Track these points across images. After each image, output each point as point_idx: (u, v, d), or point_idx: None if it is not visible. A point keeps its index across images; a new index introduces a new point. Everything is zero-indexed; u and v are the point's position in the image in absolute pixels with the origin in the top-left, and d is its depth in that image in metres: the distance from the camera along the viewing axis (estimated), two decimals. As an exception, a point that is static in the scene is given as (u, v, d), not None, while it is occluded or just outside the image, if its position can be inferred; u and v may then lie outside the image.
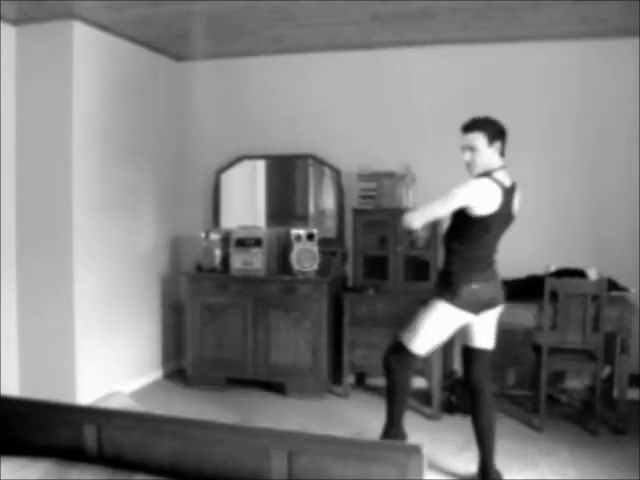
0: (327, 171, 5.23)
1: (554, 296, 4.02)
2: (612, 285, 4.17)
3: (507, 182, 3.27)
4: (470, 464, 3.57)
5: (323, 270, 4.86)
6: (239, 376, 4.93)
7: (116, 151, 4.75)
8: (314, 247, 4.81)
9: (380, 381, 5.07)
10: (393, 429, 3.43)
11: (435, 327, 3.31)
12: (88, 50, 4.40)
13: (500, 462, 3.60)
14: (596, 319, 3.98)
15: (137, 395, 4.74)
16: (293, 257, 4.79)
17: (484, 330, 3.38)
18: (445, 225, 3.50)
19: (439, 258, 4.82)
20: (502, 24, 4.40)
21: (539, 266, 4.39)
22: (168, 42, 4.97)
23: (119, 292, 4.82)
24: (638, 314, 4.22)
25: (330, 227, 5.23)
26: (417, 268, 4.87)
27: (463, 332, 3.44)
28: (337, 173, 5.18)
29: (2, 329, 4.31)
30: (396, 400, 3.43)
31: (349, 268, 5.07)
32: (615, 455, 3.71)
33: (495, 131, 3.27)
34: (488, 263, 3.35)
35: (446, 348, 4.51)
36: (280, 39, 4.86)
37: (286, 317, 4.76)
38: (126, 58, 4.82)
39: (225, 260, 5.00)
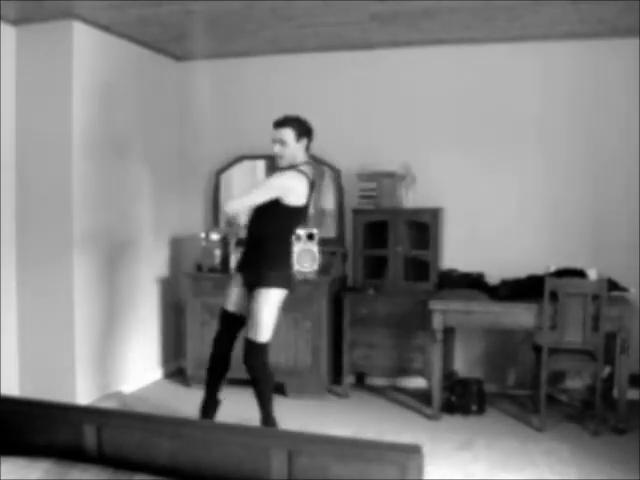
0: (327, 171, 5.23)
1: (554, 296, 4.02)
2: (612, 285, 4.16)
3: (311, 176, 3.68)
4: (470, 464, 3.58)
5: (323, 270, 4.86)
6: (239, 376, 4.92)
7: (116, 151, 4.75)
8: (314, 247, 4.81)
9: (381, 381, 5.08)
10: (270, 419, 3.69)
11: (272, 314, 3.67)
12: (88, 50, 4.40)
13: (500, 461, 3.61)
14: (596, 319, 3.98)
15: (137, 395, 4.75)
16: (293, 257, 4.79)
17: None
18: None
19: (439, 258, 4.84)
20: (502, 24, 4.40)
21: (539, 266, 4.39)
22: (168, 42, 4.97)
23: (119, 292, 4.81)
24: (638, 314, 4.22)
25: (330, 227, 5.23)
26: (417, 268, 4.87)
27: (242, 301, 3.76)
28: (337, 173, 5.18)
29: (2, 329, 4.31)
30: (266, 393, 3.72)
31: (349, 268, 5.07)
32: (615, 455, 3.70)
33: (302, 129, 3.68)
34: (292, 247, 3.85)
35: (447, 349, 4.51)
36: (280, 39, 4.86)
37: (286, 317, 4.75)
38: (126, 58, 4.82)
39: (225, 260, 5.00)
